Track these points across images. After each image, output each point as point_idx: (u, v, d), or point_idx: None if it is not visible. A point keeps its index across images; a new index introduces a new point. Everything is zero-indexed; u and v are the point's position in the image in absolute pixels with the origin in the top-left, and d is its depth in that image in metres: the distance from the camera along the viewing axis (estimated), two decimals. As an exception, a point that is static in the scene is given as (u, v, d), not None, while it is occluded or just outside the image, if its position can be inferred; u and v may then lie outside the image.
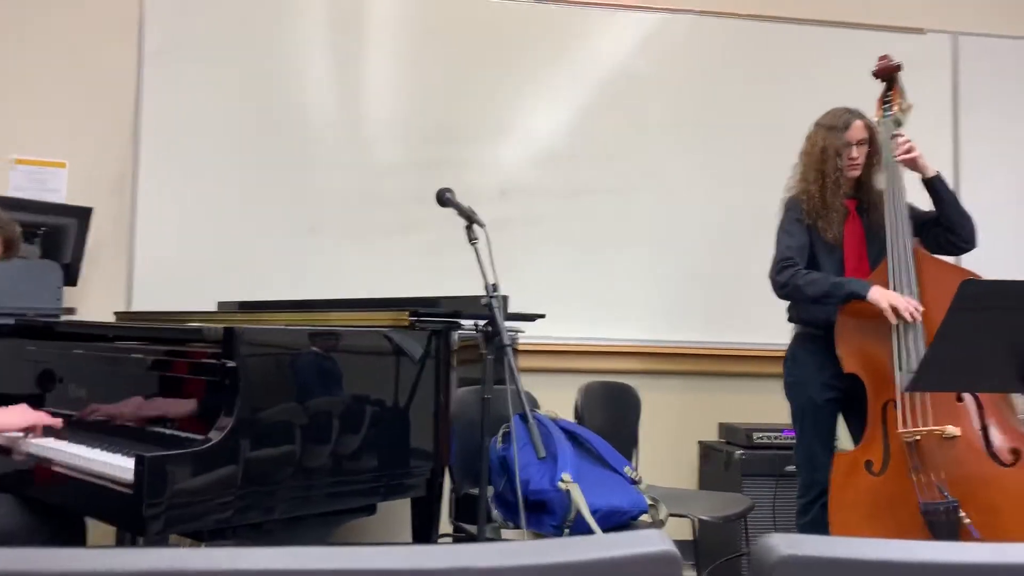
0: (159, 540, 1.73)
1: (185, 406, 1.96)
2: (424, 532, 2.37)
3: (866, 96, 2.94)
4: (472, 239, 2.17)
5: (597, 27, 3.90)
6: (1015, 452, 2.54)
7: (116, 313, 3.32)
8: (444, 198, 2.26)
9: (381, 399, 2.20)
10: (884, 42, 3.71)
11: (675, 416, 3.79)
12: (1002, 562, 0.64)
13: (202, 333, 1.99)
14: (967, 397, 2.62)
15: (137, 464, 1.72)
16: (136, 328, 2.62)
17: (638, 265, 3.82)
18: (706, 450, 3.73)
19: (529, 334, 3.22)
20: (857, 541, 0.67)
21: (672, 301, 3.83)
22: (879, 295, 2.62)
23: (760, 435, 3.49)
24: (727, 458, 3.50)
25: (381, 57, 3.80)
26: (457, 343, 2.35)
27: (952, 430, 2.56)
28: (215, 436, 1.81)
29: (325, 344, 2.07)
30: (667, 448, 3.73)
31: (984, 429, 2.58)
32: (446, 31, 3.82)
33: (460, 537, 2.57)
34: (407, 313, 2.26)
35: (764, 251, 2.94)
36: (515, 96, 3.83)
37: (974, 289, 1.84)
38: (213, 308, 3.35)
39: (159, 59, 3.63)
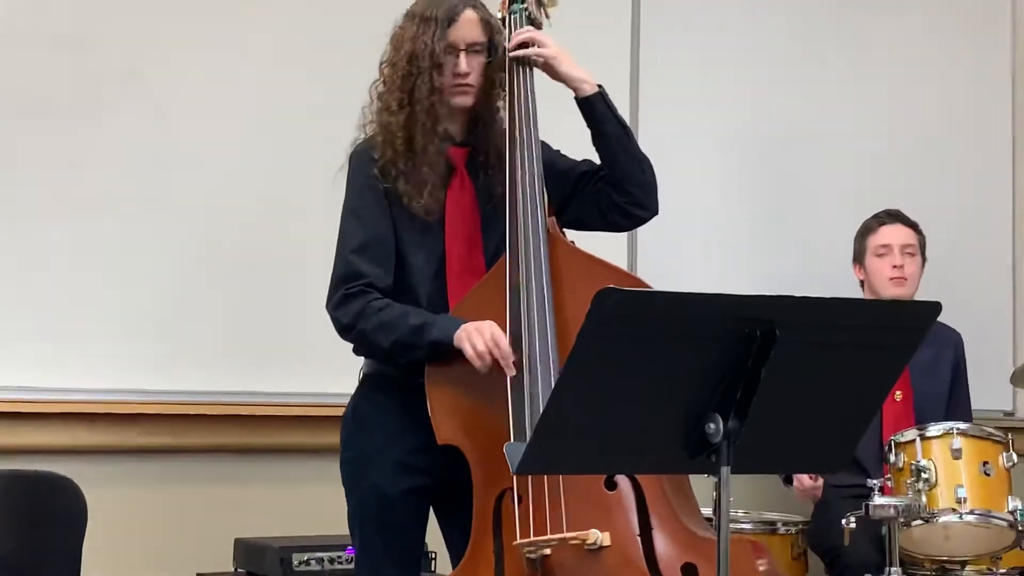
0: None
1: None
2: None
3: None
4: None
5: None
6: (689, 570, 1.83)
7: None
8: None
9: None
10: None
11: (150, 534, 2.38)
12: None
13: None
14: (622, 482, 1.86)
15: None
16: None
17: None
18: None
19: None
20: None
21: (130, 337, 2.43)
22: (464, 336, 1.83)
23: (305, 557, 2.35)
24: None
25: None
26: None
27: (597, 536, 1.82)
28: None
29: None
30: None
31: (646, 532, 1.87)
32: None
33: None
34: None
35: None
36: None
37: (615, 302, 1.19)
38: None
39: None
